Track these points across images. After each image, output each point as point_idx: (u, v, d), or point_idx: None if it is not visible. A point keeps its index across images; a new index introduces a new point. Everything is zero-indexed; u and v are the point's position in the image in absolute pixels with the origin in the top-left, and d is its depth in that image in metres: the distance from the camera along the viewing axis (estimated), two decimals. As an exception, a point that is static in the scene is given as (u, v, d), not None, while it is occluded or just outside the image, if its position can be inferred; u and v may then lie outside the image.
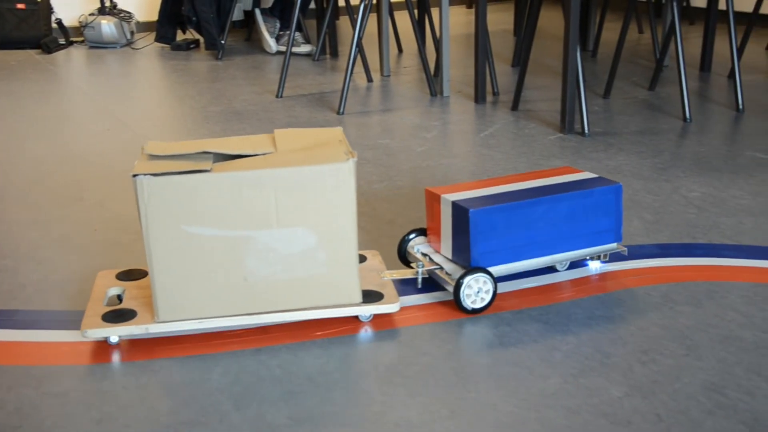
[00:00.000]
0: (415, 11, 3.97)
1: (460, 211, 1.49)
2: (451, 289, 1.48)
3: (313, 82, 3.39)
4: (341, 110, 2.87)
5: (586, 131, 2.53)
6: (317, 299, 1.40)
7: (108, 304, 1.45)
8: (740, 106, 2.72)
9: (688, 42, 3.85)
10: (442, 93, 3.08)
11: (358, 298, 1.42)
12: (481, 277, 1.46)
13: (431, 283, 1.58)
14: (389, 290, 1.48)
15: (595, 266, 1.62)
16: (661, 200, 1.97)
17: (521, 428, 1.15)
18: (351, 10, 3.80)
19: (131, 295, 1.46)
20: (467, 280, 1.45)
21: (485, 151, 2.40)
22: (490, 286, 1.47)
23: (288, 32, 3.58)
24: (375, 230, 1.85)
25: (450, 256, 1.55)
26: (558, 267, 1.62)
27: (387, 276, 1.52)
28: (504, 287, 1.56)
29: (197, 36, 4.31)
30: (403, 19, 4.35)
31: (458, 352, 1.35)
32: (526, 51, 2.82)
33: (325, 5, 3.86)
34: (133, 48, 4.32)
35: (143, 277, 1.52)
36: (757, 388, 1.22)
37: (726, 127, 2.55)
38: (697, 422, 1.14)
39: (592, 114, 2.75)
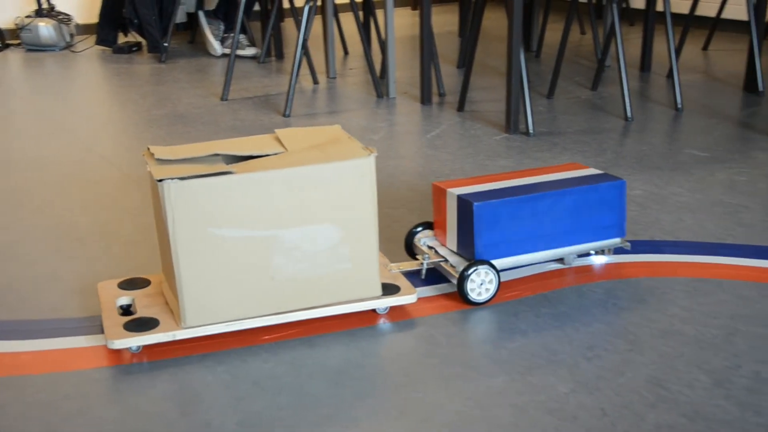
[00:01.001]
0: (360, 13, 3.97)
1: (464, 204, 1.52)
2: (455, 281, 1.50)
3: (258, 84, 3.37)
4: (287, 112, 2.86)
5: (531, 131, 2.56)
6: (341, 294, 1.42)
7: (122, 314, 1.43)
8: (679, 105, 2.78)
9: (629, 43, 3.92)
10: (388, 94, 3.09)
11: (379, 290, 1.45)
12: (483, 269, 1.48)
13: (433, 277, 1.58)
14: (402, 282, 1.50)
15: (600, 260, 1.65)
16: (604, 198, 2.00)
17: (469, 427, 1.15)
18: (295, 12, 3.79)
19: (143, 303, 1.44)
20: (471, 272, 1.48)
21: (431, 151, 2.41)
22: (493, 278, 1.49)
23: (232, 34, 3.55)
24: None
25: (455, 249, 1.58)
26: (566, 261, 1.65)
27: (394, 268, 1.55)
28: (451, 287, 1.57)
29: (139, 39, 4.25)
30: (348, 20, 4.35)
31: (406, 353, 1.35)
32: (471, 52, 2.84)
33: (269, 7, 3.84)
34: (72, 51, 4.24)
35: (147, 286, 1.50)
36: (697, 380, 1.24)
37: (666, 126, 2.61)
38: (640, 416, 1.17)
39: (536, 114, 2.78)
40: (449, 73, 3.46)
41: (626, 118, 2.68)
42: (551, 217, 1.56)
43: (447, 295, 1.53)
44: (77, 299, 1.56)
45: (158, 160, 1.36)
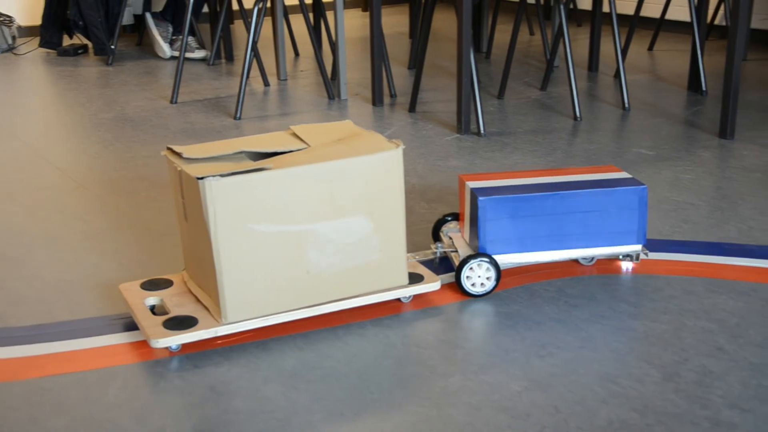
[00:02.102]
0: (311, 15, 3.96)
1: (474, 197, 1.55)
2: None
3: (208, 87, 3.33)
4: (238, 115, 2.84)
5: (482, 131, 2.58)
6: (371, 284, 1.45)
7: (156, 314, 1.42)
8: (626, 105, 2.83)
9: (576, 43, 3.98)
10: (339, 96, 3.08)
11: (406, 279, 1.48)
12: (483, 263, 1.51)
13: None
14: (423, 270, 1.54)
15: (626, 266, 1.64)
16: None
17: (424, 427, 1.16)
18: (245, 14, 3.76)
19: (173, 302, 1.44)
20: (468, 265, 1.50)
21: (384, 153, 2.41)
22: (492, 273, 1.51)
23: (181, 37, 3.51)
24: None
25: (468, 241, 1.61)
26: (582, 262, 1.65)
27: (410, 258, 1.58)
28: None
29: (85, 41, 4.18)
30: (298, 22, 4.34)
31: (361, 355, 1.35)
32: (422, 53, 2.86)
33: (218, 9, 3.80)
34: (15, 54, 4.15)
35: (170, 286, 1.50)
36: (648, 375, 1.27)
37: (614, 125, 2.65)
38: (592, 412, 1.18)
39: (487, 114, 2.81)
40: (400, 74, 3.47)
41: (575, 118, 2.72)
42: (561, 217, 1.55)
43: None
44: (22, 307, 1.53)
45: (186, 158, 1.37)
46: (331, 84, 3.14)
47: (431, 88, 3.21)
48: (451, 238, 1.66)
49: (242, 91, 2.84)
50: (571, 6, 4.44)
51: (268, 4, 3.79)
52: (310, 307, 1.41)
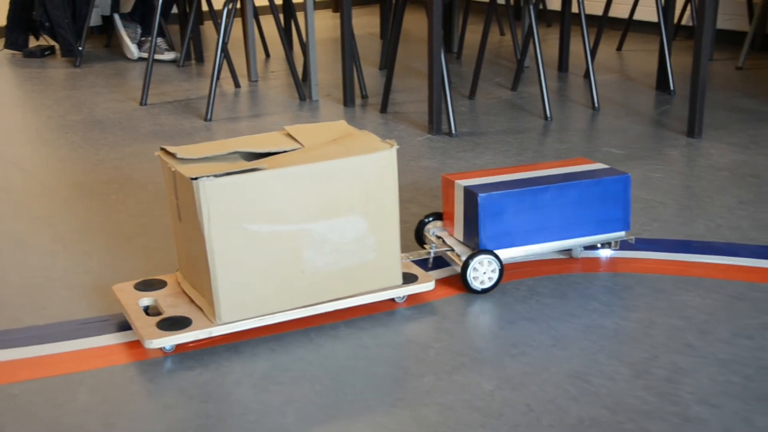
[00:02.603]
0: (281, 16, 3.94)
1: (470, 195, 1.56)
2: (459, 269, 1.54)
3: (178, 88, 3.31)
4: (209, 117, 2.82)
5: (454, 131, 2.59)
6: (366, 284, 1.45)
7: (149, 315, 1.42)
8: (596, 105, 2.85)
9: (546, 44, 4.00)
10: (311, 97, 3.08)
11: (400, 279, 1.48)
12: (486, 258, 1.52)
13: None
14: (417, 270, 1.55)
15: (606, 254, 1.68)
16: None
17: (396, 428, 1.16)
18: (215, 15, 3.74)
19: (167, 303, 1.43)
20: (474, 262, 1.51)
21: (355, 154, 2.41)
22: (496, 267, 1.53)
23: (150, 38, 3.48)
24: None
25: (461, 239, 1.61)
26: (573, 253, 1.68)
27: (404, 258, 1.58)
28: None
29: (52, 42, 4.13)
30: (269, 23, 4.32)
31: (333, 356, 1.35)
32: (392, 54, 2.86)
33: (187, 10, 3.78)
34: (-17, 55, 4.09)
35: (164, 286, 1.49)
36: (618, 373, 1.28)
37: (584, 125, 2.67)
38: (564, 410, 1.19)
39: (458, 114, 2.81)
40: (372, 75, 3.47)
41: (546, 118, 2.74)
42: (556, 209, 1.58)
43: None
44: (-9, 312, 1.51)
45: (181, 159, 1.37)
46: (302, 85, 3.13)
47: (402, 88, 3.22)
48: (440, 238, 1.67)
49: (213, 92, 2.82)
50: (541, 6, 4.47)
51: (238, 5, 3.77)
52: (305, 307, 1.41)
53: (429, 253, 1.64)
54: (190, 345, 1.38)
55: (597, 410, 1.18)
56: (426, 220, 1.72)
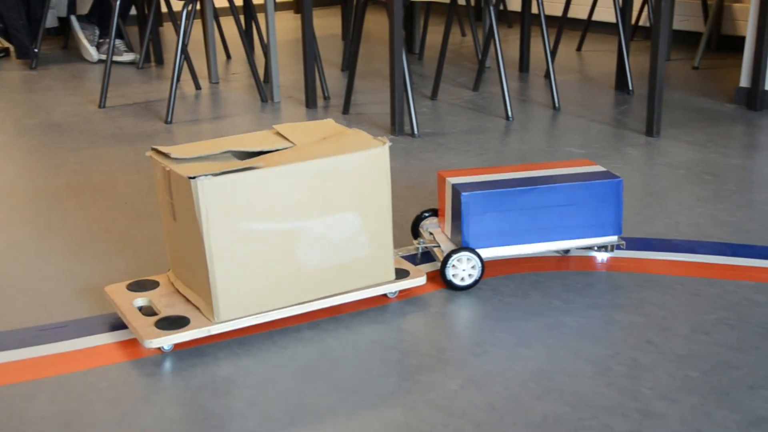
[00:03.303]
0: (241, 17, 3.92)
1: (456, 193, 1.56)
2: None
3: (137, 90, 3.27)
4: (169, 119, 2.79)
5: (416, 132, 2.59)
6: (360, 280, 1.46)
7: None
8: (556, 105, 2.88)
9: (507, 44, 4.03)
10: (272, 99, 3.06)
11: (393, 275, 1.50)
12: (465, 256, 1.53)
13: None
14: (408, 266, 1.56)
15: (601, 258, 1.67)
16: (488, 197, 2.04)
17: (360, 429, 1.16)
18: (174, 16, 3.71)
19: (162, 303, 1.43)
20: (452, 259, 1.52)
21: (317, 155, 2.40)
22: (476, 265, 1.53)
23: (108, 39, 3.44)
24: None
25: (449, 236, 1.63)
26: (558, 254, 1.68)
27: (394, 253, 1.58)
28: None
29: (6, 44, 4.05)
30: (229, 24, 4.29)
31: (296, 358, 1.34)
32: (354, 55, 2.86)
33: (146, 11, 3.74)
34: (-64, 58, 4.01)
35: (157, 287, 1.49)
36: (580, 370, 1.29)
37: (545, 125, 2.69)
38: (527, 408, 1.20)
39: (421, 115, 2.82)
40: (334, 76, 3.47)
41: (507, 118, 2.76)
42: (542, 211, 1.58)
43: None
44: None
45: (175, 159, 1.37)
46: (263, 87, 3.12)
47: (364, 89, 3.21)
48: (432, 234, 1.68)
49: (173, 94, 2.79)
50: (501, 7, 4.50)
51: (198, 7, 3.74)
52: (301, 304, 1.42)
53: (417, 248, 1.66)
54: (153, 350, 1.37)
55: (560, 408, 1.19)
56: (424, 215, 1.74)
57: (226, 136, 2.62)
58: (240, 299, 1.37)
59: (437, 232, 1.68)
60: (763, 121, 2.65)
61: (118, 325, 1.45)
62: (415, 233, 1.75)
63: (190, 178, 1.29)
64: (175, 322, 1.37)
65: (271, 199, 1.35)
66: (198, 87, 3.30)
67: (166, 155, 1.39)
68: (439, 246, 1.64)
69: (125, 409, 1.21)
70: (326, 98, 3.10)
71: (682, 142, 2.46)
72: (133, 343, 1.39)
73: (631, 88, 3.08)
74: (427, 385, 1.26)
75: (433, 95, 3.06)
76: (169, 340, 1.33)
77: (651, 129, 2.53)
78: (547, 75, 3.17)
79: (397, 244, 1.73)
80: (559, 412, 1.18)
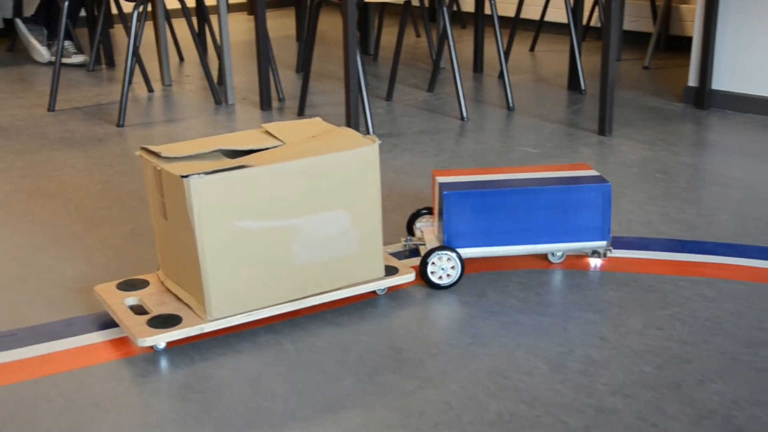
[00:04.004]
0: (194, 18, 3.88)
1: (441, 191, 1.57)
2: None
3: (88, 93, 3.22)
4: (121, 122, 2.75)
5: (372, 133, 2.59)
6: (351, 277, 1.47)
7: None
8: (510, 105, 2.90)
9: (461, 45, 4.05)
10: (227, 101, 3.04)
11: (383, 272, 1.51)
12: (445, 255, 1.53)
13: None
14: (397, 263, 1.57)
15: (594, 263, 1.66)
16: (443, 197, 2.05)
17: (319, 431, 1.15)
18: (124, 18, 3.66)
19: (153, 301, 1.43)
20: (432, 257, 1.53)
21: (272, 157, 2.39)
22: (456, 264, 1.54)
23: (57, 41, 3.38)
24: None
25: (437, 234, 1.64)
26: (551, 258, 1.67)
27: (385, 251, 1.60)
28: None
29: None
30: (182, 26, 4.25)
31: (252, 363, 1.33)
32: (308, 56, 2.85)
33: (96, 13, 3.68)
34: None
35: (147, 286, 1.49)
36: (536, 368, 1.30)
37: (499, 125, 2.71)
38: (483, 406, 1.20)
39: (376, 116, 2.82)
40: (288, 78, 3.45)
41: (462, 118, 2.77)
42: (526, 213, 1.58)
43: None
44: None
45: (166, 158, 1.37)
46: (217, 89, 3.09)
47: (319, 91, 3.21)
48: (422, 231, 1.70)
49: (124, 97, 2.76)
50: (455, 8, 4.52)
51: (149, 8, 3.70)
52: (293, 301, 1.42)
53: (405, 246, 1.68)
54: (106, 356, 1.35)
55: (515, 405, 1.20)
56: (421, 212, 1.75)
57: (180, 139, 2.59)
58: (232, 297, 1.37)
59: (427, 230, 1.70)
60: (710, 119, 2.71)
61: (70, 332, 1.43)
62: (410, 230, 1.77)
63: (183, 176, 1.30)
64: (168, 321, 1.37)
65: (263, 197, 1.36)
66: (150, 89, 3.26)
67: (156, 154, 1.39)
68: (423, 244, 1.65)
69: (78, 418, 1.19)
70: (281, 100, 3.09)
71: (633, 140, 2.49)
72: (84, 351, 1.37)
73: (583, 87, 3.11)
74: (384, 386, 1.26)
75: (388, 96, 3.06)
76: (162, 338, 1.33)
77: (603, 128, 2.56)
78: (501, 75, 3.19)
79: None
80: (514, 409, 1.19)
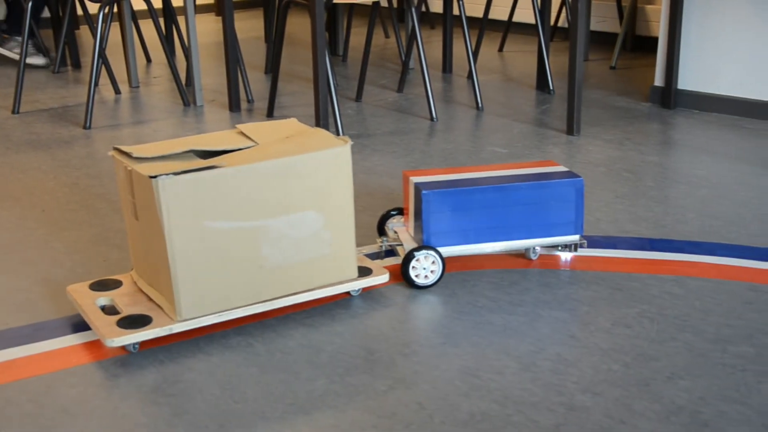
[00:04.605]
0: (161, 20, 3.85)
1: (418, 191, 1.57)
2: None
3: (54, 95, 3.18)
4: (88, 124, 2.72)
5: (341, 134, 2.59)
6: (323, 278, 1.47)
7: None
8: (479, 105, 2.91)
9: (430, 46, 4.06)
10: (195, 102, 3.02)
11: (356, 273, 1.51)
12: (427, 255, 1.54)
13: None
14: (371, 264, 1.57)
15: (565, 257, 1.69)
16: (413, 197, 2.06)
17: (291, 434, 1.15)
18: (90, 19, 3.62)
19: (124, 302, 1.43)
20: (414, 257, 1.54)
21: (242, 159, 2.38)
22: (438, 264, 1.55)
23: (17, 38, 3.32)
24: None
25: (413, 234, 1.64)
26: (529, 255, 1.68)
27: (358, 252, 1.60)
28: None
29: None
30: (149, 27, 4.21)
31: (223, 365, 1.32)
32: (277, 57, 2.84)
33: (61, 14, 3.64)
34: None
35: (120, 286, 1.49)
36: (506, 367, 1.31)
37: (469, 125, 2.72)
38: (455, 406, 1.21)
39: (345, 117, 2.82)
40: (257, 79, 3.44)
41: (431, 119, 2.78)
42: (502, 210, 1.60)
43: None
44: None
45: (136, 158, 1.37)
46: (185, 90, 3.07)
47: (288, 92, 3.20)
48: (396, 232, 1.69)
49: (91, 99, 2.73)
50: (423, 9, 4.53)
51: (115, 9, 3.66)
52: (264, 302, 1.42)
53: (381, 246, 1.69)
54: (73, 361, 1.33)
55: (487, 404, 1.21)
56: (391, 214, 1.75)
57: (148, 141, 2.57)
58: (202, 298, 1.37)
59: (401, 231, 1.70)
60: (676, 118, 2.74)
61: (37, 336, 1.41)
62: (381, 231, 1.77)
63: (151, 177, 1.29)
64: (137, 321, 1.36)
65: (233, 197, 1.36)
66: (117, 91, 3.22)
67: (128, 154, 1.39)
68: (401, 245, 1.65)
69: (47, 422, 1.18)
70: (250, 101, 3.07)
71: (601, 140, 2.52)
72: (52, 355, 1.35)
73: (551, 87, 3.14)
74: (356, 387, 1.26)
75: (358, 97, 3.06)
76: (130, 338, 1.33)
77: (571, 128, 2.58)
78: (470, 76, 3.20)
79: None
80: (485, 409, 1.20)
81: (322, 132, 1.50)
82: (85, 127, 2.72)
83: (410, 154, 2.40)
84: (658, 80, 2.91)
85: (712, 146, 2.43)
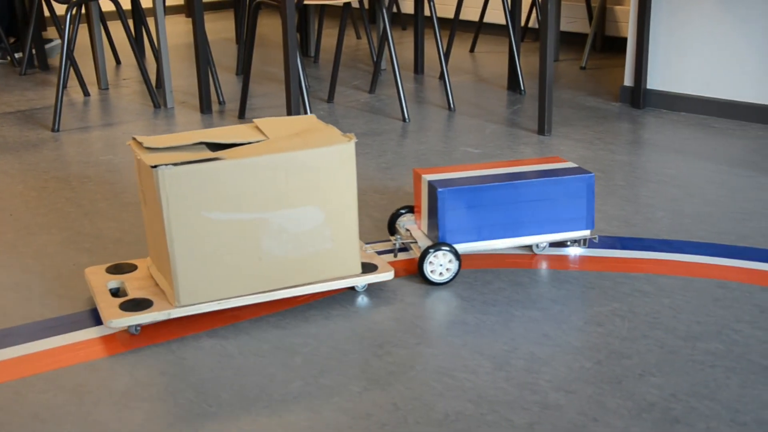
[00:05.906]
0: (130, 21, 3.82)
1: (432, 189, 1.58)
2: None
3: (21, 98, 3.14)
4: (56, 127, 2.69)
5: (313, 136, 2.58)
6: (324, 273, 1.48)
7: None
8: (451, 106, 2.92)
9: (402, 46, 4.06)
10: (165, 104, 2.99)
11: (359, 269, 1.52)
12: (444, 252, 1.55)
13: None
14: (378, 261, 1.58)
15: (575, 252, 1.70)
16: (387, 198, 2.06)
17: (266, 437, 1.14)
18: (57, 21, 3.58)
19: (134, 286, 1.48)
20: (430, 254, 1.55)
21: (214, 161, 2.36)
22: (454, 261, 1.56)
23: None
24: (100, 249, 1.76)
25: (426, 232, 1.65)
26: (534, 249, 1.70)
27: (369, 249, 1.62)
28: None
29: None
30: (118, 29, 4.17)
31: (197, 369, 1.32)
32: (248, 59, 2.82)
33: (27, 15, 3.59)
34: None
35: (134, 270, 1.54)
36: (480, 366, 1.31)
37: (441, 125, 2.73)
38: (429, 406, 1.21)
39: (319, 119, 2.81)
40: (228, 81, 3.42)
41: (404, 119, 2.78)
42: (516, 206, 1.61)
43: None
44: None
45: (147, 148, 1.40)
46: (156, 92, 3.04)
47: (260, 93, 3.18)
48: (408, 230, 1.70)
49: (59, 101, 2.70)
50: (395, 10, 4.54)
51: (83, 11, 3.62)
52: (262, 293, 1.44)
53: (394, 244, 1.70)
54: (44, 366, 1.32)
55: (461, 404, 1.21)
56: (401, 212, 1.76)
57: (118, 144, 2.55)
58: (201, 285, 1.39)
59: (414, 228, 1.71)
60: (646, 118, 2.77)
61: (6, 342, 1.40)
62: (392, 230, 1.77)
63: (153, 167, 1.33)
64: (139, 305, 1.40)
65: (233, 189, 1.38)
66: (87, 93, 3.19)
67: (141, 144, 1.43)
68: (416, 242, 1.66)
69: (16, 429, 1.16)
70: (221, 103, 3.06)
71: (572, 140, 2.53)
72: (22, 361, 1.33)
73: (522, 88, 3.16)
74: (331, 389, 1.25)
75: (330, 98, 3.06)
76: (128, 321, 1.36)
77: (543, 128, 2.60)
78: (442, 76, 3.21)
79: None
80: (460, 408, 1.20)
81: (331, 129, 1.52)
82: (53, 130, 2.69)
83: (383, 155, 2.40)
84: (628, 80, 2.94)
85: (681, 145, 2.46)
